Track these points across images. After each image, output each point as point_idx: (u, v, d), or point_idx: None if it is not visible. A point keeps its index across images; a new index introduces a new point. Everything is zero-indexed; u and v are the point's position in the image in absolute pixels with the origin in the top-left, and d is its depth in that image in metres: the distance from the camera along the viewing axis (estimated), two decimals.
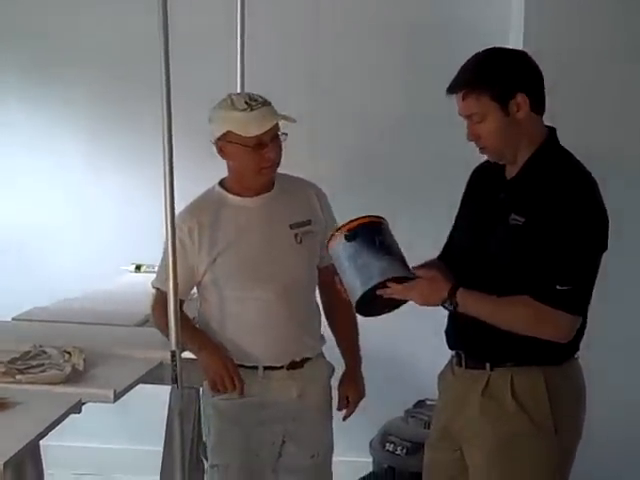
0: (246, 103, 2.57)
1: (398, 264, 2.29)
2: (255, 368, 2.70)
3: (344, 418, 2.90)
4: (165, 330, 2.66)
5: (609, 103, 3.63)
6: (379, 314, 2.45)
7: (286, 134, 2.65)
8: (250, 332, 2.69)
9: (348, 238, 2.31)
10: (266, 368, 2.69)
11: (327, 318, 2.87)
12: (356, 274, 2.29)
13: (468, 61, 2.33)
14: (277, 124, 2.62)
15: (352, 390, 2.87)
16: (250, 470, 2.74)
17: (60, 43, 4.18)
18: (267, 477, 2.78)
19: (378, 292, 2.27)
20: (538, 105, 2.30)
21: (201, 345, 2.70)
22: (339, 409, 2.89)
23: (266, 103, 2.60)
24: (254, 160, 2.60)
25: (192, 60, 3.83)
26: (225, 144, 2.62)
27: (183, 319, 2.66)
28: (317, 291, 2.86)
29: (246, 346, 2.69)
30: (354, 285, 2.30)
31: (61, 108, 4.25)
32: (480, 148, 2.34)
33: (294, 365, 2.70)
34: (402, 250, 2.34)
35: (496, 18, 3.83)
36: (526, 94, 2.25)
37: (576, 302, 2.22)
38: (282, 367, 2.70)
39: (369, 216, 2.38)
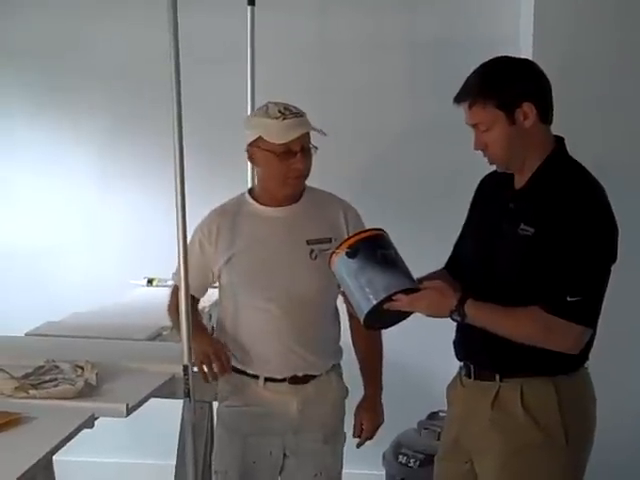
0: (280, 112, 2.60)
1: (403, 276, 2.27)
2: (257, 377, 2.70)
3: (357, 445, 2.86)
4: (176, 323, 2.71)
5: (619, 114, 3.63)
6: (386, 327, 2.45)
7: (316, 147, 2.66)
8: (255, 340, 2.69)
9: (349, 255, 2.30)
10: (267, 379, 2.69)
11: (352, 342, 2.84)
12: (361, 290, 2.28)
13: (475, 70, 2.34)
14: (308, 136, 2.63)
15: (368, 418, 2.83)
16: (248, 478, 2.74)
17: (69, 61, 4.21)
18: None
19: (385, 306, 2.26)
20: (545, 114, 2.30)
21: (193, 332, 2.68)
22: (354, 436, 2.85)
23: (300, 115, 2.62)
24: (281, 169, 2.61)
25: (203, 77, 3.84)
26: (255, 150, 2.64)
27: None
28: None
29: (251, 354, 2.70)
30: (360, 301, 2.29)
31: (71, 126, 4.28)
32: (488, 157, 2.34)
33: (296, 380, 2.69)
34: (406, 262, 2.33)
35: (504, 34, 3.84)
36: (533, 103, 2.25)
37: (586, 313, 2.21)
38: (284, 380, 2.69)
39: (368, 230, 2.38)
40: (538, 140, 2.30)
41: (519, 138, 2.27)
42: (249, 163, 2.89)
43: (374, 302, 2.25)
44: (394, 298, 2.25)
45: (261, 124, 2.61)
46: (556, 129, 2.36)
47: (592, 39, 3.60)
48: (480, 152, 2.35)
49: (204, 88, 3.85)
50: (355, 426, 2.85)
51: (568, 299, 2.17)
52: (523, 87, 2.27)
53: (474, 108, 2.27)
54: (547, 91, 2.31)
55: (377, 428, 2.86)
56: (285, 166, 2.61)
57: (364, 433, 2.84)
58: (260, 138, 2.61)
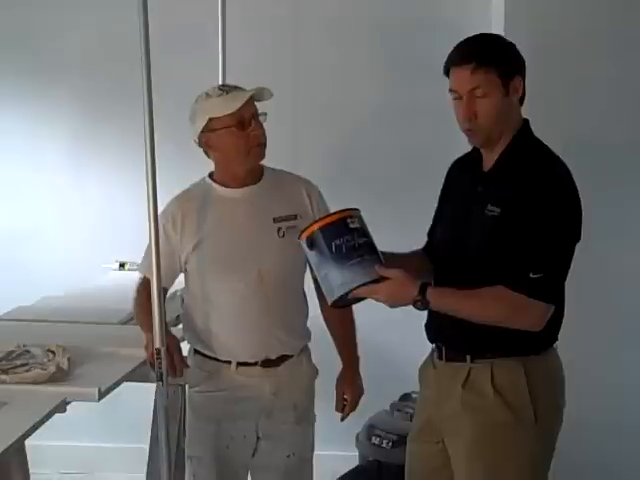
0: (220, 89, 2.63)
1: (359, 269, 2.20)
2: (229, 362, 2.70)
3: (342, 419, 2.89)
4: (139, 317, 2.74)
5: (588, 95, 3.66)
6: (357, 302, 2.43)
7: (265, 114, 2.66)
8: (225, 325, 2.69)
9: (308, 246, 2.27)
10: (240, 364, 2.69)
11: (324, 318, 2.85)
12: (322, 282, 2.27)
13: (472, 38, 2.35)
14: (255, 106, 2.63)
15: (349, 390, 2.86)
16: (222, 463, 2.74)
17: (41, 44, 4.18)
18: (239, 471, 2.79)
19: (348, 296, 2.25)
20: (524, 93, 2.34)
21: (148, 325, 2.63)
22: (337, 410, 2.88)
23: (239, 88, 2.63)
24: (241, 141, 2.60)
25: (173, 60, 3.85)
26: (209, 135, 2.63)
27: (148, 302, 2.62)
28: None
29: (221, 339, 2.69)
30: (325, 291, 2.29)
31: (43, 109, 4.26)
32: (468, 129, 2.32)
33: (268, 363, 2.70)
34: (378, 242, 2.29)
35: (475, 16, 3.84)
36: (522, 79, 2.30)
37: (549, 290, 2.23)
38: (256, 363, 2.69)
39: (327, 216, 2.32)
40: (515, 117, 2.34)
41: (506, 111, 2.29)
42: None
43: (333, 297, 2.25)
44: (353, 293, 2.23)
45: (207, 107, 2.60)
46: (527, 110, 2.38)
47: (563, 22, 3.62)
48: (457, 128, 2.34)
49: (176, 73, 3.86)
50: (337, 400, 2.88)
51: (531, 276, 2.18)
52: (518, 61, 2.32)
53: (478, 72, 2.25)
54: (525, 72, 2.35)
55: (359, 399, 2.89)
56: (244, 136, 2.59)
57: (348, 405, 2.87)
58: (210, 120, 2.60)
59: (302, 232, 2.30)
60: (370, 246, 2.26)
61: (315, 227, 2.27)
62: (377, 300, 2.26)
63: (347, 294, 2.24)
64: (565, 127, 3.51)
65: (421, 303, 2.23)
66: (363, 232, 2.27)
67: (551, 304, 2.24)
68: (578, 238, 2.29)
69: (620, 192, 3.67)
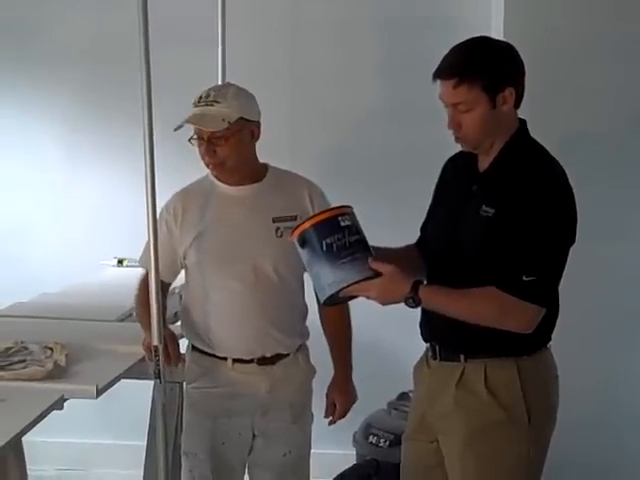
0: (200, 97, 2.62)
1: (350, 268, 2.18)
2: (225, 359, 2.71)
3: (329, 423, 2.90)
4: (139, 315, 2.75)
5: (588, 95, 3.65)
6: (346, 301, 2.45)
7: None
8: (222, 321, 2.70)
9: (300, 245, 2.25)
10: (236, 361, 2.70)
11: (320, 322, 2.85)
12: (314, 280, 2.27)
13: (460, 48, 2.30)
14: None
15: (340, 398, 2.86)
16: (218, 459, 2.75)
17: (38, 38, 4.18)
18: (237, 467, 2.80)
19: (339, 294, 2.24)
20: (520, 100, 2.31)
21: (148, 324, 2.63)
22: (325, 417, 2.89)
23: (212, 103, 2.58)
24: (200, 154, 2.64)
25: (173, 56, 3.84)
26: None
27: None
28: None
29: (218, 334, 2.70)
30: (317, 290, 2.29)
31: (40, 104, 4.26)
32: (457, 137, 2.32)
33: (264, 361, 2.70)
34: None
35: (474, 13, 3.84)
36: (514, 88, 2.26)
37: (541, 293, 2.22)
38: (252, 361, 2.70)
39: (317, 214, 2.30)
40: (508, 123, 2.31)
41: (494, 121, 2.27)
42: None
43: (325, 296, 2.24)
44: (345, 291, 2.22)
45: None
46: (526, 109, 2.36)
47: (563, 18, 3.61)
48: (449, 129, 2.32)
49: (175, 69, 3.85)
50: (327, 407, 2.88)
51: (524, 278, 2.18)
52: (508, 72, 2.27)
53: (460, 88, 2.22)
54: (524, 76, 2.31)
55: (350, 407, 2.89)
56: (200, 152, 2.63)
57: (337, 413, 2.87)
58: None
59: (294, 230, 2.29)
60: (362, 243, 2.25)
61: (306, 225, 2.25)
62: (368, 298, 2.25)
63: (338, 292, 2.23)
64: (563, 126, 3.51)
65: (412, 300, 2.22)
66: (355, 229, 2.25)
67: (543, 307, 2.23)
68: (573, 241, 2.28)
69: (616, 193, 3.66)
